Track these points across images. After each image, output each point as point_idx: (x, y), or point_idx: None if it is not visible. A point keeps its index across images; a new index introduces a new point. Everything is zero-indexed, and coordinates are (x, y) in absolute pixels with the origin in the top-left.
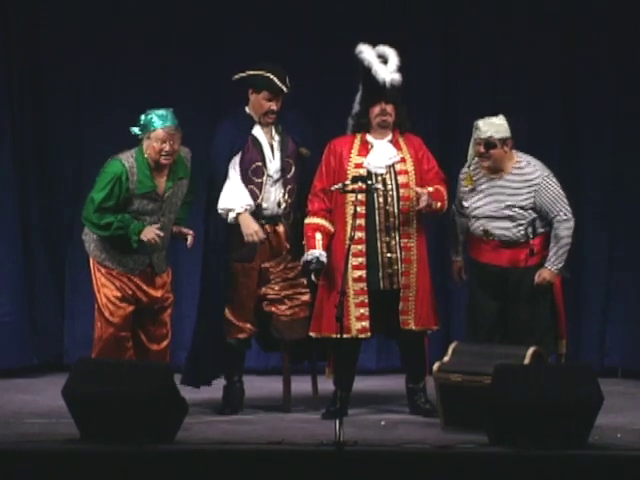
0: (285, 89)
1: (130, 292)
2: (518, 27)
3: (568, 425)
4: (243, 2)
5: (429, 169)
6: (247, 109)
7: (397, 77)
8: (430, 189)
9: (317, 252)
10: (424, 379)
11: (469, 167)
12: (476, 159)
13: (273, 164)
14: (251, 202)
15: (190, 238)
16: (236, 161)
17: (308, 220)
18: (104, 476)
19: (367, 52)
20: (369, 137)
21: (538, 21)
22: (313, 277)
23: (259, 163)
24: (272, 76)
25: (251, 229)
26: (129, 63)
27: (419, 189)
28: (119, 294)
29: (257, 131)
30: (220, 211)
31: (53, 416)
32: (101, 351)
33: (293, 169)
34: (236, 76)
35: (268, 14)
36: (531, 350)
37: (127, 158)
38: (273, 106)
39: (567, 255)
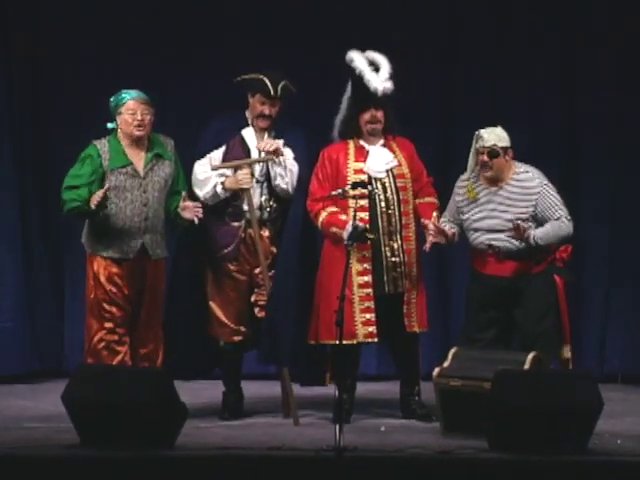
0: (273, 92)
1: (127, 292)
2: (518, 35)
3: (568, 430)
4: (244, 3)
5: (420, 173)
6: (246, 112)
7: (389, 85)
8: (435, 215)
9: (350, 224)
10: (418, 383)
11: (468, 178)
12: (476, 169)
13: (258, 167)
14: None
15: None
16: (215, 156)
17: (321, 217)
18: None
19: (358, 60)
20: (362, 143)
21: (538, 31)
22: (368, 236)
23: None
24: (265, 79)
25: (240, 179)
26: (129, 63)
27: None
28: (118, 294)
29: (247, 132)
30: (204, 196)
31: (53, 421)
32: (95, 354)
33: None
34: (236, 79)
35: (269, 16)
36: (531, 355)
37: (100, 140)
38: (266, 110)
39: (547, 241)
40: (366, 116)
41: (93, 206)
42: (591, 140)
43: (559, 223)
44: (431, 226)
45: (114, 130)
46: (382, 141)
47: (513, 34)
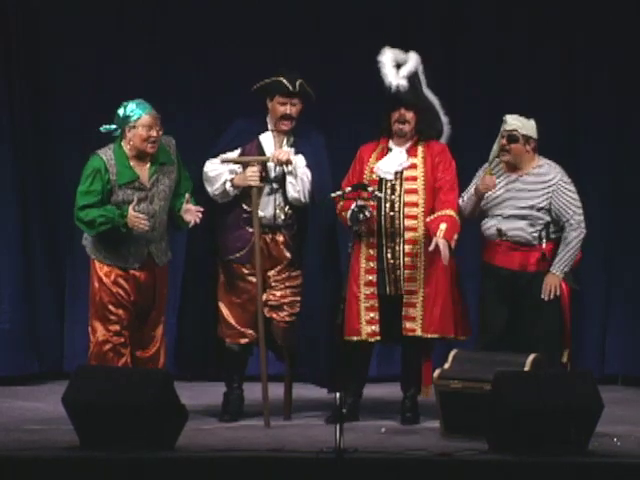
0: (292, 88)
1: (133, 297)
2: (518, 35)
3: (568, 432)
4: (246, 4)
5: (442, 182)
6: (267, 118)
7: (404, 83)
8: (442, 228)
9: (354, 204)
10: (414, 388)
11: (490, 164)
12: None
13: (273, 171)
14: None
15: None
16: (229, 157)
17: (339, 205)
18: None
19: (385, 55)
20: (391, 143)
21: (539, 31)
22: (363, 215)
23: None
24: (282, 78)
25: (249, 175)
26: (129, 64)
27: (440, 243)
28: (125, 296)
29: (265, 137)
30: (214, 192)
31: (53, 423)
32: (100, 356)
33: None
34: (254, 87)
35: (269, 18)
36: (531, 357)
37: (105, 152)
38: (288, 110)
39: (572, 262)
40: (395, 115)
41: (143, 230)
42: (591, 140)
43: (567, 237)
44: (442, 250)
45: (117, 139)
46: (409, 144)
47: (514, 34)
